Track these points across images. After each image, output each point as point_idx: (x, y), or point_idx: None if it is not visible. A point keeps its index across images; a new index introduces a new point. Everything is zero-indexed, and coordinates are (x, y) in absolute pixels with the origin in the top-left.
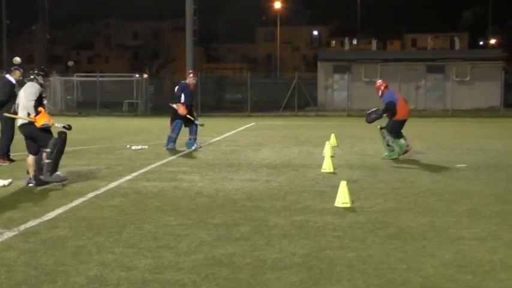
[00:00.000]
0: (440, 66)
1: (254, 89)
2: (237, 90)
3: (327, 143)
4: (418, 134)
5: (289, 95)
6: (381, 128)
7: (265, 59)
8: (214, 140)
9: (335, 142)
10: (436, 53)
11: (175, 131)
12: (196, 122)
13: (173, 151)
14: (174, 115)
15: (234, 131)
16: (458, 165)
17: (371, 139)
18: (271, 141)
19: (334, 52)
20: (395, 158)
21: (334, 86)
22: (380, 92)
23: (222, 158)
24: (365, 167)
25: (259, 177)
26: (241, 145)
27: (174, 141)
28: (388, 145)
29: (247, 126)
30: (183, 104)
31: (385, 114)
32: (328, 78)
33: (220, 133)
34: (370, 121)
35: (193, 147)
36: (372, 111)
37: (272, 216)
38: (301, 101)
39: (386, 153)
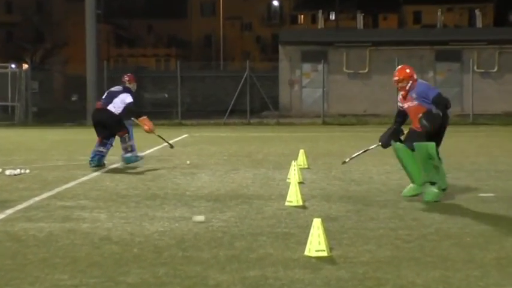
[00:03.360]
0: (456, 52)
1: (187, 86)
2: (161, 88)
3: (293, 163)
4: None
5: (237, 94)
6: (401, 141)
7: (202, 42)
8: None
9: (305, 162)
10: (450, 32)
11: (133, 137)
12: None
13: (66, 176)
14: (115, 126)
15: (158, 147)
16: (482, 195)
17: (356, 158)
18: (213, 162)
19: (302, 32)
20: (444, 190)
21: (303, 81)
22: (410, 82)
23: (140, 187)
24: (349, 198)
25: (194, 214)
26: (168, 167)
27: (135, 150)
28: (433, 169)
29: (177, 139)
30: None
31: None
32: (294, 69)
33: (138, 150)
34: (431, 125)
35: (92, 165)
36: (428, 112)
37: (213, 271)
38: (256, 103)
39: (430, 188)
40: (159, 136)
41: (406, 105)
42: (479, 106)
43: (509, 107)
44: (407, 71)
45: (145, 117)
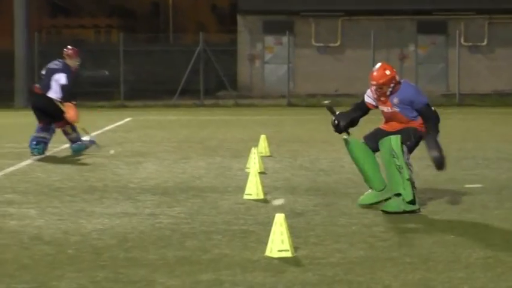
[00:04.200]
0: (440, 23)
1: (131, 62)
2: (101, 64)
3: (253, 150)
4: None
5: (189, 71)
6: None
7: (148, 11)
8: (63, 147)
9: (267, 149)
10: (433, 0)
11: (75, 127)
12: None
13: None
14: (56, 114)
15: (98, 132)
16: (468, 186)
17: (325, 144)
18: (160, 149)
19: None
20: (412, 207)
21: (265, 56)
22: (392, 86)
23: (76, 178)
24: (317, 191)
25: (139, 209)
26: (109, 156)
27: (80, 140)
28: (396, 171)
29: (119, 123)
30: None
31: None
32: (255, 42)
33: None
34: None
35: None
36: (432, 139)
37: (161, 275)
38: (211, 82)
39: (393, 200)
40: (83, 129)
41: (381, 108)
42: (467, 85)
43: (500, 85)
44: (387, 72)
45: (72, 104)
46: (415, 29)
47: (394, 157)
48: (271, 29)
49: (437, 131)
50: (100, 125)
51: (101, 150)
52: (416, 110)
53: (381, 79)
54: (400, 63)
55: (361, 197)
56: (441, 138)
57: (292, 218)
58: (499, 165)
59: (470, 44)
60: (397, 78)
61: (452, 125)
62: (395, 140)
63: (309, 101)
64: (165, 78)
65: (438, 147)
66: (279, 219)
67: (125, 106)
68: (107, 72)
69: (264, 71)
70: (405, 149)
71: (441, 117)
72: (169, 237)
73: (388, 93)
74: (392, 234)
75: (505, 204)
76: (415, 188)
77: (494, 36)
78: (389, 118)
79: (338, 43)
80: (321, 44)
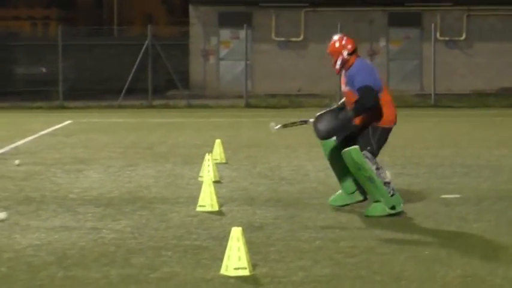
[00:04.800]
0: (414, 15)
1: (71, 58)
2: (38, 60)
3: (207, 157)
4: None
5: (136, 68)
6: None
7: (90, 1)
8: None
9: (222, 156)
10: None
11: None
12: None
13: None
14: None
15: (34, 136)
16: (445, 196)
17: (287, 149)
18: (104, 156)
19: None
20: (395, 211)
21: (220, 52)
22: (340, 60)
23: (9, 188)
24: (277, 202)
25: (80, 222)
26: (46, 163)
27: None
28: (368, 182)
29: (58, 126)
30: None
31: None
32: (209, 36)
33: (8, 140)
34: (325, 134)
35: None
36: (327, 112)
37: None
38: (160, 80)
39: (376, 203)
40: None
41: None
42: (443, 83)
43: (479, 84)
44: (336, 45)
45: None
46: (386, 21)
47: (360, 170)
48: (227, 21)
49: (355, 114)
50: (36, 129)
51: (6, 162)
52: (356, 89)
53: (329, 48)
54: (370, 59)
55: (332, 197)
56: (415, 142)
57: (250, 232)
58: (478, 173)
59: (446, 38)
60: (345, 54)
61: (427, 128)
62: (355, 152)
63: (269, 102)
64: (109, 76)
65: (337, 128)
66: (236, 233)
67: (64, 107)
68: (44, 69)
69: (219, 68)
70: (369, 155)
71: (414, 119)
72: (114, 253)
73: (337, 66)
74: (361, 249)
75: (485, 217)
76: (393, 189)
77: (473, 30)
78: (346, 100)
79: (301, 37)
80: (282, 39)
